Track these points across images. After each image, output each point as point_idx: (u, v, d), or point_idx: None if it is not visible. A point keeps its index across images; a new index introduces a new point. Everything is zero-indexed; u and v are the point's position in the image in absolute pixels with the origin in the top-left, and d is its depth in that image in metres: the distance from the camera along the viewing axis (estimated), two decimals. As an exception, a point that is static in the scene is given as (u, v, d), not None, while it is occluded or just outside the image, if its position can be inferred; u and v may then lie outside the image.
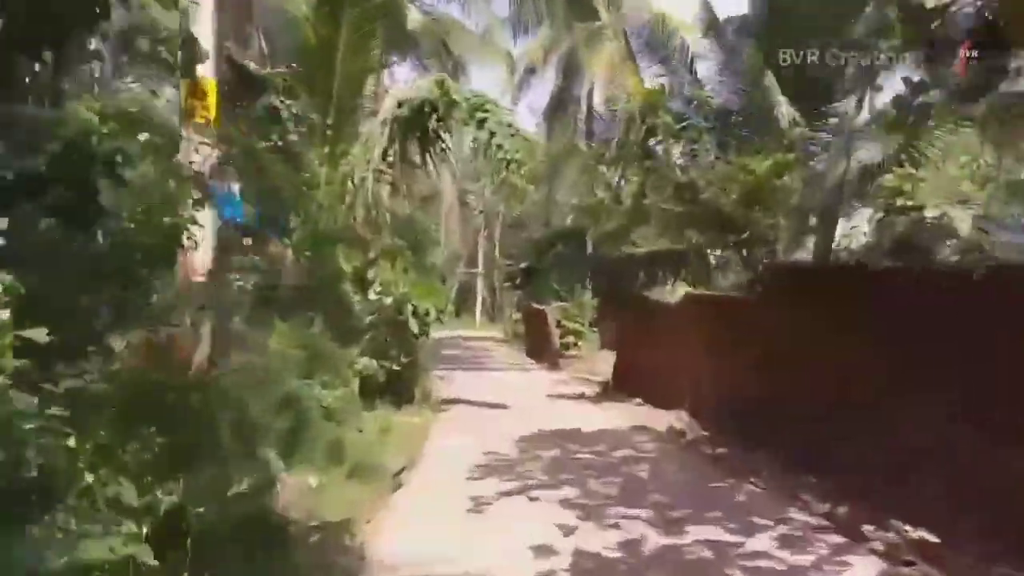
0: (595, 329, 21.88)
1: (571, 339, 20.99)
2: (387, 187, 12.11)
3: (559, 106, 26.03)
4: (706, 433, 9.82)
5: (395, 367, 11.61)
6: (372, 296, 11.34)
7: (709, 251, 12.79)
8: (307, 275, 10.93)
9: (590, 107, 24.59)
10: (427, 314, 11.68)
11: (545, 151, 41.41)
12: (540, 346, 21.80)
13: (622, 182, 14.03)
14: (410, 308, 11.68)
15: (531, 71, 26.31)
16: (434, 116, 11.16)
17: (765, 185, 10.62)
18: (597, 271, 19.90)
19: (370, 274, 11.35)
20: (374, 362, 10.86)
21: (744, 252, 11.28)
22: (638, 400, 13.59)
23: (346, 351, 10.58)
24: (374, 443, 8.28)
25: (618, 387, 15.10)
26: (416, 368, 12.55)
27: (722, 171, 10.92)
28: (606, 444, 9.32)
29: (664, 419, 11.45)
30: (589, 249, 25.40)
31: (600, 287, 22.71)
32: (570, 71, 25.23)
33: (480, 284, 39.46)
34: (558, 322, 21.18)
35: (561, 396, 15.01)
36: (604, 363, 20.81)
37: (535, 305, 23.70)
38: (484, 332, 34.29)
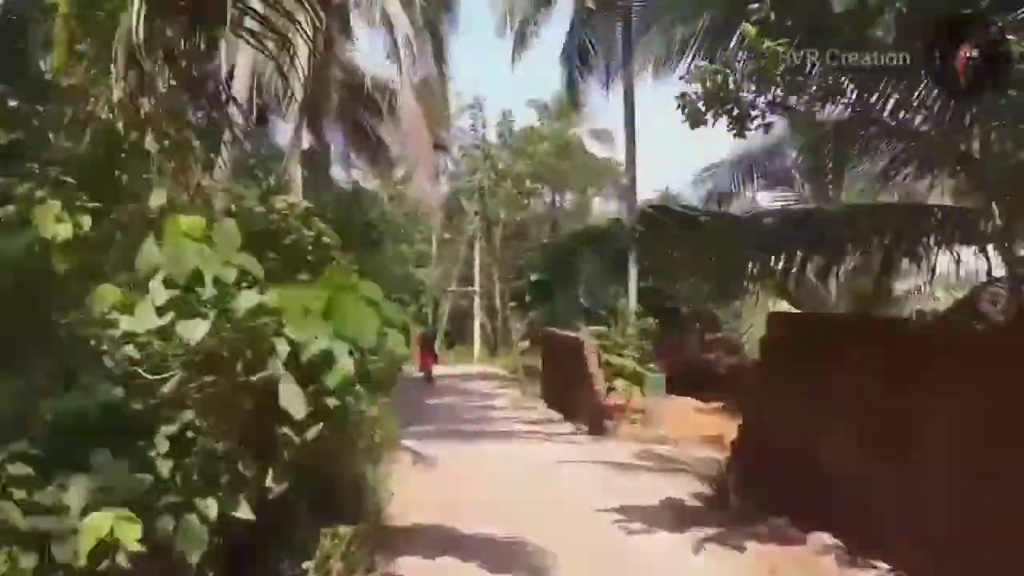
0: (654, 367, 14.39)
1: (620, 383, 13.45)
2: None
3: (585, 51, 18.52)
4: None
5: (242, 513, 4.12)
6: (150, 320, 3.84)
7: None
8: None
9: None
10: (326, 370, 4.17)
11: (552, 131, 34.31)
12: (571, 393, 14.24)
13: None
14: (283, 353, 4.17)
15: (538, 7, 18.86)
16: None
17: None
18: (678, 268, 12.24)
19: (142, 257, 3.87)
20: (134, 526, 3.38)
21: None
22: (836, 544, 6.05)
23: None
24: None
25: (759, 491, 7.55)
26: (316, 503, 5.04)
27: None
28: None
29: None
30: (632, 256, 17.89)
31: (667, 306, 15.33)
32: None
33: (477, 305, 31.91)
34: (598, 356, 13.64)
35: (650, 525, 7.37)
36: (680, 422, 13.33)
37: (559, 332, 16.20)
38: (484, 366, 26.70)
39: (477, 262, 31.87)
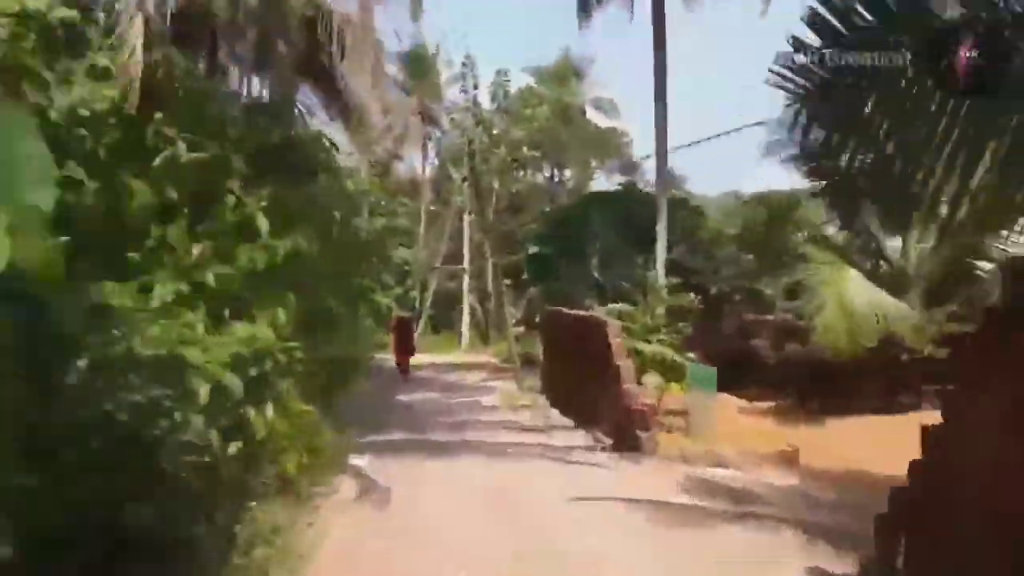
0: (692, 356, 10.80)
1: (651, 377, 9.83)
2: None
3: None
4: None
5: None
6: None
7: None
8: None
9: None
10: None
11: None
12: (586, 390, 10.57)
13: None
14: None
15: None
16: None
17: None
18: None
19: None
20: None
21: None
22: None
23: None
24: None
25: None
26: None
27: None
28: None
29: None
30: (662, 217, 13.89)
31: (692, 281, 11.54)
32: None
33: (466, 286, 28.18)
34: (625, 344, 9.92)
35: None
36: (727, 430, 9.80)
37: (568, 311, 12.53)
38: (472, 355, 23.07)
39: (466, 236, 28.14)
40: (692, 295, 11.61)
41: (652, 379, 9.56)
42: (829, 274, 11.37)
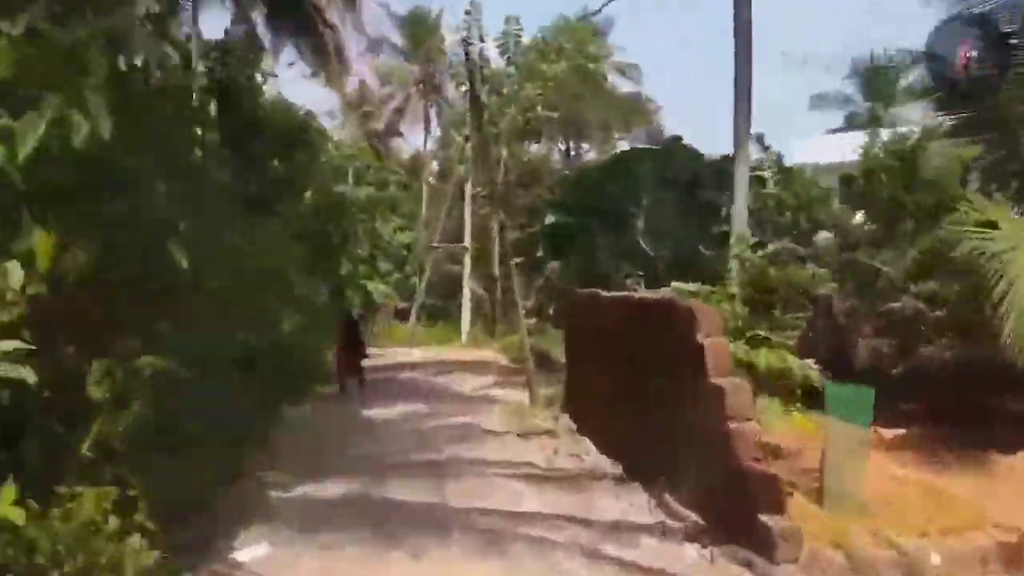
0: (812, 364, 6.71)
1: (774, 408, 5.75)
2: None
3: None
4: None
5: None
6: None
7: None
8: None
9: None
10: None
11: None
12: (654, 425, 6.46)
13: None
14: None
15: None
16: None
17: None
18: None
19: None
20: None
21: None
22: None
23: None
24: None
25: None
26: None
27: None
28: None
29: None
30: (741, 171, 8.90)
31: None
32: None
33: (468, 268, 24.00)
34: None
35: None
36: (894, 496, 5.76)
37: (609, 294, 8.49)
38: (474, 353, 19.01)
39: (467, 210, 24.06)
40: (813, 268, 7.59)
41: (770, 407, 5.56)
42: (1017, 238, 7.32)
